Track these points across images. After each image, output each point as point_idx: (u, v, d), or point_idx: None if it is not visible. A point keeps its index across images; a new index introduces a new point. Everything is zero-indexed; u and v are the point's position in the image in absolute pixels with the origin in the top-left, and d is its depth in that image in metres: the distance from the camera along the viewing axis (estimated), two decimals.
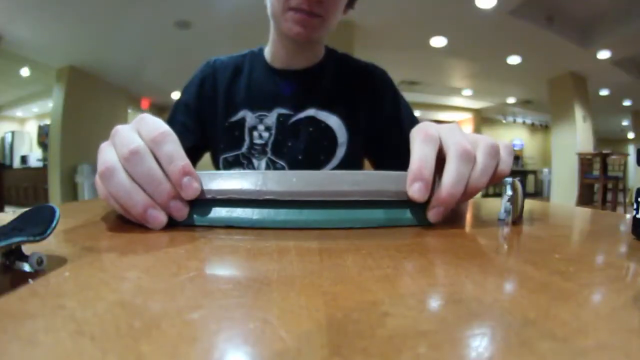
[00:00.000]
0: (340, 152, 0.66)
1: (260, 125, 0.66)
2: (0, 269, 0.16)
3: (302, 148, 0.65)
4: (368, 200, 0.28)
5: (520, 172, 8.60)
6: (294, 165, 0.65)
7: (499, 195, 0.43)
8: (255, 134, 0.66)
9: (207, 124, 0.69)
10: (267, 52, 0.70)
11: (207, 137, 0.69)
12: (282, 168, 0.65)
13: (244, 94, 0.67)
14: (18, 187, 6.06)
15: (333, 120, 0.66)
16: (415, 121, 0.72)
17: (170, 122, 0.68)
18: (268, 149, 0.66)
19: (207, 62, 0.72)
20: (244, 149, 0.66)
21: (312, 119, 0.66)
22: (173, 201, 0.26)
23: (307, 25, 0.58)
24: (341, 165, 0.66)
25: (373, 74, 0.72)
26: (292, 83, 0.67)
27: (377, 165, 0.74)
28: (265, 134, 0.66)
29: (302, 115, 0.66)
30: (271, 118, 0.66)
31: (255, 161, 0.66)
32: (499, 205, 0.43)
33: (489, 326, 0.12)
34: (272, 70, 0.68)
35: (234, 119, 0.67)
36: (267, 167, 0.65)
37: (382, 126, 0.70)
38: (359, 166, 0.72)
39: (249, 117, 0.66)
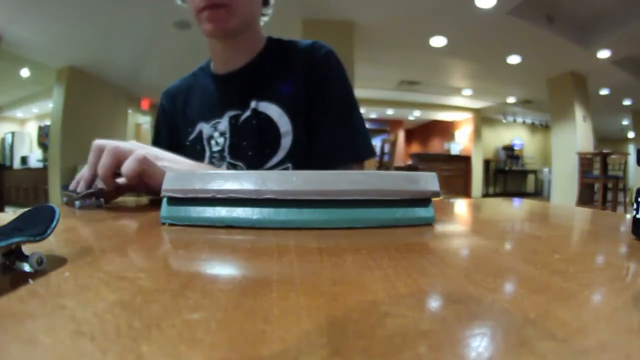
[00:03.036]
0: (286, 141, 0.63)
1: (215, 132, 0.67)
2: (0, 269, 0.16)
3: (252, 144, 0.65)
4: (368, 200, 0.28)
5: (520, 171, 8.61)
6: (249, 163, 0.65)
7: (499, 195, 0.43)
8: (212, 142, 0.67)
9: (177, 150, 0.70)
10: (212, 63, 0.72)
11: None
12: (241, 169, 0.65)
13: (198, 109, 0.70)
14: (18, 187, 6.06)
15: (273, 110, 0.64)
16: (350, 116, 0.65)
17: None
18: (226, 154, 0.66)
19: (163, 92, 0.76)
20: (206, 160, 0.68)
21: (254, 112, 0.65)
22: None
23: (215, 18, 0.58)
24: (290, 156, 0.63)
25: (313, 51, 0.66)
26: (235, 83, 0.68)
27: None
28: (221, 140, 0.67)
29: (248, 111, 0.65)
30: (224, 123, 0.66)
31: None
32: (498, 206, 0.43)
33: (489, 326, 0.12)
34: (216, 77, 0.70)
35: (193, 135, 0.69)
36: None
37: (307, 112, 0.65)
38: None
39: (205, 128, 0.68)
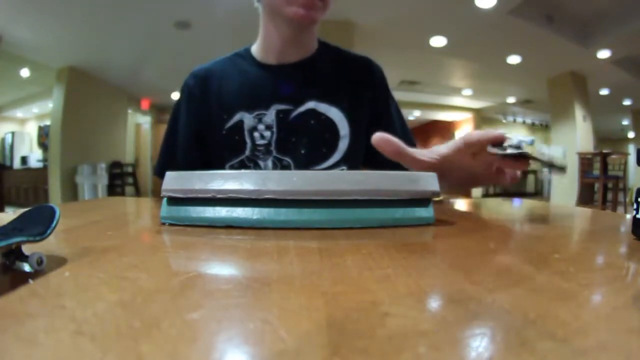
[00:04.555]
0: (343, 144, 0.65)
1: (260, 124, 0.64)
2: (0, 269, 0.16)
3: (305, 142, 0.64)
4: (368, 199, 0.28)
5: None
6: (299, 160, 0.64)
7: (499, 195, 0.43)
8: (256, 134, 0.64)
9: (206, 137, 0.67)
10: (257, 50, 0.68)
11: (208, 150, 0.67)
12: (288, 165, 0.64)
13: (238, 96, 0.65)
14: (18, 187, 6.06)
15: (334, 112, 0.65)
16: (405, 125, 0.72)
17: (172, 146, 0.68)
18: (272, 148, 0.64)
19: (190, 74, 0.70)
20: (247, 152, 0.65)
21: (312, 112, 0.64)
22: None
23: (312, 7, 0.58)
24: (344, 159, 0.65)
25: (372, 67, 0.71)
26: (289, 77, 0.66)
27: (365, 163, 0.72)
28: (267, 133, 0.64)
29: (302, 108, 0.64)
30: (270, 116, 0.64)
31: (260, 162, 0.65)
32: (498, 206, 0.43)
33: (489, 326, 0.12)
34: (264, 66, 0.66)
35: (231, 123, 0.65)
36: (274, 166, 0.64)
37: (374, 122, 0.68)
38: (362, 159, 0.71)
39: (247, 118, 0.65)
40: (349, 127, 0.65)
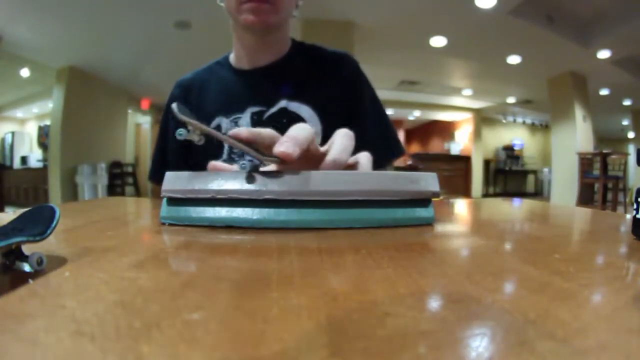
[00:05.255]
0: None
1: (236, 127, 0.67)
2: (0, 269, 0.16)
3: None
4: (368, 200, 0.28)
5: (520, 171, 8.61)
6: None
7: (499, 195, 0.43)
8: None
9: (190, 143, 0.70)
10: (233, 57, 0.71)
11: (194, 155, 0.70)
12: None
13: (216, 103, 0.69)
14: (18, 187, 6.06)
15: (305, 111, 0.65)
16: (384, 123, 0.71)
17: (163, 152, 0.72)
18: None
19: (175, 84, 0.74)
20: (224, 156, 0.67)
21: (284, 111, 0.65)
22: None
23: (259, 11, 0.59)
24: None
25: (343, 62, 0.71)
26: (261, 79, 0.68)
27: None
28: None
29: (274, 109, 0.65)
30: (245, 118, 0.66)
31: (236, 165, 0.67)
32: (498, 206, 0.43)
33: (489, 326, 0.12)
34: (239, 72, 0.69)
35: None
36: None
37: (347, 119, 0.68)
38: None
39: (224, 122, 0.67)
40: (320, 125, 0.65)
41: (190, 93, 0.72)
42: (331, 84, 0.68)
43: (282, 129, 0.65)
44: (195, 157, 0.69)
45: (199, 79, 0.73)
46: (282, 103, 0.65)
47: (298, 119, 0.65)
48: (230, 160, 0.67)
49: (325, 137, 0.65)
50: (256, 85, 0.67)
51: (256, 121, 0.66)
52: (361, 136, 0.68)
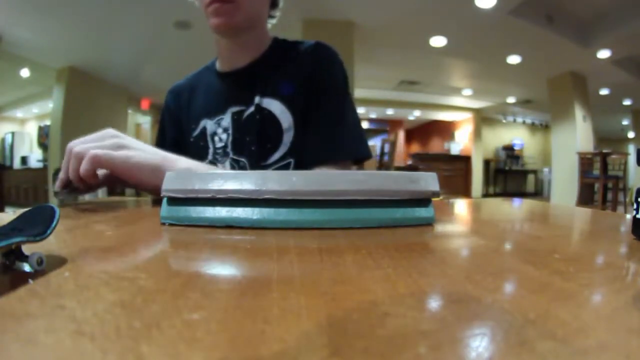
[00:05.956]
0: (288, 137, 0.64)
1: (219, 128, 0.68)
2: (0, 269, 0.16)
3: (254, 140, 0.65)
4: (368, 199, 0.28)
5: (520, 171, 8.61)
6: (250, 158, 0.65)
7: (499, 195, 0.43)
8: (216, 138, 0.68)
9: (181, 145, 0.73)
10: (217, 61, 0.73)
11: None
12: (244, 165, 0.66)
13: (202, 106, 0.71)
14: (18, 187, 6.06)
15: (275, 106, 0.65)
16: (340, 116, 0.64)
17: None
18: (229, 150, 0.67)
19: (169, 91, 0.78)
20: (209, 157, 0.68)
21: (258, 108, 0.65)
22: None
23: (221, 13, 0.60)
24: (290, 152, 0.64)
25: (310, 52, 0.67)
26: (240, 79, 0.69)
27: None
28: (224, 136, 0.67)
29: (252, 107, 0.66)
30: (226, 119, 0.67)
31: (220, 165, 0.67)
32: (498, 206, 0.43)
33: (489, 326, 0.12)
34: (221, 75, 0.71)
35: (197, 131, 0.70)
36: (232, 168, 0.66)
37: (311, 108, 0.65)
38: None
39: (209, 124, 0.69)
40: (292, 119, 0.64)
41: (180, 99, 0.75)
42: (299, 76, 0.66)
43: (257, 126, 0.65)
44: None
45: (189, 85, 0.76)
46: (256, 100, 0.66)
47: (269, 115, 0.65)
48: (214, 160, 0.68)
49: (298, 132, 0.64)
50: (235, 86, 0.69)
51: (236, 120, 0.67)
52: (309, 131, 0.65)
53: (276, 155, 0.64)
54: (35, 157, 6.73)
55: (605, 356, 0.10)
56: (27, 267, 0.16)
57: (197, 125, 0.70)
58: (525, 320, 0.12)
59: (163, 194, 0.30)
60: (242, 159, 0.66)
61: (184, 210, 0.29)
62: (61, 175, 0.47)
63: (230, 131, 0.67)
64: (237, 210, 0.28)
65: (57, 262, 0.18)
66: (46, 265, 0.17)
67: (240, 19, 0.62)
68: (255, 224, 0.28)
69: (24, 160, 6.88)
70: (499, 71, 5.05)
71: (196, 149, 0.69)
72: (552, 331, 0.11)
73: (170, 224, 0.29)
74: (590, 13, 3.59)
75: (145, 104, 6.68)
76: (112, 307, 0.13)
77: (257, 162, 0.64)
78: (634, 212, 0.24)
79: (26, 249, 0.17)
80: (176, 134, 0.75)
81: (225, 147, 0.67)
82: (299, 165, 0.64)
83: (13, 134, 7.18)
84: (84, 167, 0.42)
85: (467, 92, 6.46)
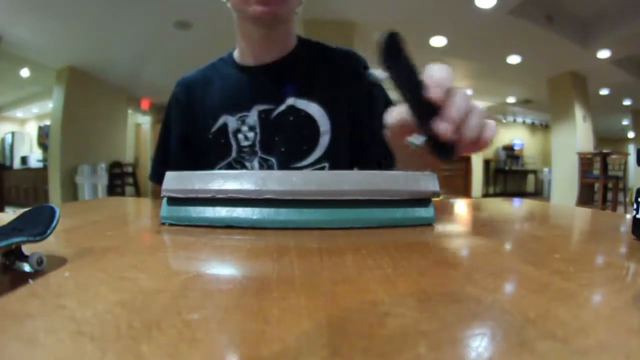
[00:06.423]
0: (324, 140, 0.64)
1: (244, 126, 0.65)
2: (0, 269, 0.16)
3: (286, 140, 0.64)
4: (368, 199, 0.28)
5: (520, 171, 8.61)
6: (281, 158, 0.64)
7: (499, 195, 0.43)
8: (240, 136, 0.66)
9: (195, 143, 0.69)
10: (237, 53, 0.69)
11: (198, 155, 0.69)
12: (273, 165, 0.65)
13: (221, 100, 0.67)
14: (18, 187, 6.06)
15: (313, 108, 0.64)
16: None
17: (165, 151, 0.70)
18: (257, 148, 0.65)
19: (177, 83, 0.73)
20: (233, 154, 0.66)
21: (292, 109, 0.64)
22: None
23: (268, 1, 0.58)
24: (326, 155, 0.64)
25: (351, 61, 0.69)
26: (268, 76, 0.66)
27: (353, 162, 0.71)
28: (251, 134, 0.65)
29: (282, 106, 0.64)
30: (252, 117, 0.65)
31: (247, 164, 0.65)
32: (498, 206, 0.43)
33: (489, 326, 0.12)
34: (244, 69, 0.67)
35: (216, 127, 0.66)
36: (260, 167, 0.65)
37: (357, 114, 0.68)
38: (346, 155, 0.69)
39: (230, 121, 0.66)
40: (329, 123, 0.65)
41: (193, 91, 0.70)
42: (339, 82, 0.67)
43: (290, 127, 0.64)
44: (203, 157, 0.68)
45: (202, 77, 0.71)
46: (290, 100, 0.64)
47: (306, 116, 0.64)
48: (239, 158, 0.65)
49: (335, 136, 0.64)
50: (262, 83, 0.66)
51: (264, 119, 0.65)
52: (370, 137, 0.67)
53: (311, 158, 0.64)
54: (35, 157, 6.74)
55: (605, 356, 0.10)
56: (27, 267, 0.16)
57: (216, 120, 0.67)
58: (525, 320, 0.12)
59: (163, 194, 0.30)
60: (271, 158, 0.65)
61: (184, 210, 0.29)
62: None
63: (257, 130, 0.65)
64: (237, 210, 0.28)
65: (57, 262, 0.18)
66: (46, 265, 0.17)
67: (286, 10, 0.61)
68: (255, 224, 0.28)
69: (24, 160, 6.88)
70: (499, 71, 5.05)
71: (216, 146, 0.66)
72: (552, 331, 0.11)
73: (170, 224, 0.29)
74: (590, 13, 3.60)
75: (145, 104, 6.68)
76: (112, 307, 0.13)
77: (290, 163, 0.63)
78: (634, 212, 0.24)
79: (26, 249, 0.17)
80: (185, 129, 0.70)
81: (252, 145, 0.65)
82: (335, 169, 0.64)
83: (13, 134, 7.18)
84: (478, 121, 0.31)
85: (467, 92, 6.46)
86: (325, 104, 0.65)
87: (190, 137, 0.69)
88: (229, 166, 0.66)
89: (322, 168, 0.64)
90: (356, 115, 0.67)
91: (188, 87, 0.71)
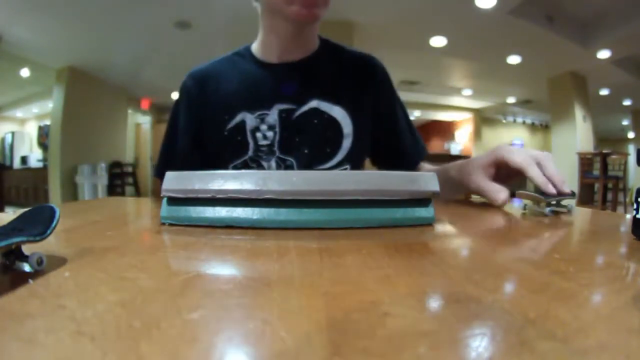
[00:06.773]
0: (347, 143, 0.65)
1: (263, 125, 0.63)
2: (0, 269, 0.16)
3: (308, 142, 0.63)
4: (368, 199, 0.28)
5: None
6: (302, 160, 0.63)
7: None
8: (259, 135, 0.63)
9: (207, 139, 0.67)
10: (258, 48, 0.67)
11: (208, 152, 0.67)
12: (292, 165, 0.63)
13: (239, 96, 0.64)
14: (18, 187, 6.06)
15: (337, 111, 0.64)
16: (411, 125, 0.73)
17: (172, 147, 0.68)
18: (275, 148, 0.63)
19: (188, 75, 0.69)
20: (250, 153, 0.64)
21: (315, 111, 0.64)
22: None
23: (313, 4, 0.57)
24: (348, 158, 0.65)
25: (374, 66, 0.70)
26: (291, 76, 0.65)
27: (373, 162, 0.74)
28: (270, 133, 0.63)
29: (305, 108, 0.63)
30: (272, 116, 0.63)
31: (264, 163, 0.64)
32: (495, 207, 0.43)
33: (489, 326, 0.12)
34: (266, 65, 0.65)
35: (232, 124, 0.64)
36: (278, 167, 0.64)
37: (377, 121, 0.69)
38: (364, 157, 0.71)
39: (249, 118, 0.64)
40: (352, 126, 0.65)
41: (206, 84, 0.67)
42: (362, 87, 0.67)
43: (313, 129, 0.64)
44: (217, 154, 0.66)
45: (216, 70, 0.68)
46: (314, 102, 0.63)
47: (330, 119, 0.64)
48: (256, 157, 0.64)
49: (357, 138, 0.65)
50: (285, 81, 0.64)
51: (284, 119, 0.63)
52: (396, 141, 0.70)
53: (334, 160, 0.64)
54: (35, 157, 6.74)
55: (605, 356, 0.10)
56: (27, 267, 0.16)
57: (233, 116, 0.64)
58: (525, 320, 0.12)
59: (163, 194, 0.30)
60: (290, 159, 0.64)
61: (184, 210, 0.29)
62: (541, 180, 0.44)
63: (277, 129, 0.63)
64: (237, 210, 0.28)
65: (57, 262, 0.18)
66: (46, 265, 0.17)
67: (323, 12, 0.60)
68: (255, 224, 0.28)
69: (24, 160, 6.88)
70: (499, 71, 5.05)
71: (232, 143, 0.64)
72: (552, 331, 0.11)
73: (170, 224, 0.29)
74: (590, 13, 3.60)
75: (145, 104, 6.68)
76: (112, 307, 0.13)
77: (311, 164, 0.63)
78: (634, 212, 0.24)
79: (26, 249, 0.17)
80: (195, 124, 0.67)
81: (271, 145, 0.63)
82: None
83: (13, 133, 7.18)
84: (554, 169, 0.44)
85: (467, 92, 6.47)
86: (348, 107, 0.65)
87: (201, 132, 0.66)
88: (245, 164, 0.64)
89: (345, 170, 0.65)
90: (376, 122, 0.69)
91: (201, 80, 0.67)
